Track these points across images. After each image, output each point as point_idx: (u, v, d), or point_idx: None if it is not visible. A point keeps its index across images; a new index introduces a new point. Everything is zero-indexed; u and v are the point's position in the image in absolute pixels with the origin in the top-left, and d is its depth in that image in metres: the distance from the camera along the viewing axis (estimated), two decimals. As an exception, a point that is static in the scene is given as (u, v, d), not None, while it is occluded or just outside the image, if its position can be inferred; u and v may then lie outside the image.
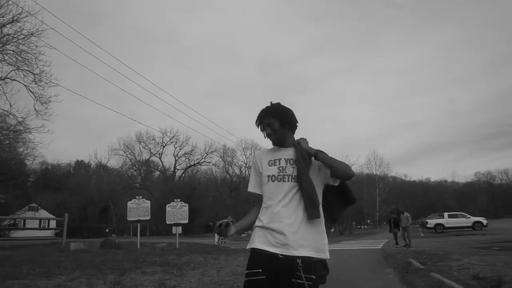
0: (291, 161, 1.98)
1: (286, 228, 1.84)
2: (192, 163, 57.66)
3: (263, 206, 1.99)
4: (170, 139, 55.35)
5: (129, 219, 14.06)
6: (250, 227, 2.06)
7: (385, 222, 56.29)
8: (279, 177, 1.96)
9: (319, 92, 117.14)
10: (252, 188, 2.09)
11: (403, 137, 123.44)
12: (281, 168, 1.97)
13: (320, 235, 1.91)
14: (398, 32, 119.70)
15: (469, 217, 29.21)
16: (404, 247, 14.93)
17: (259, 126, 2.08)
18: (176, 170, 58.30)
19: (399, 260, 9.68)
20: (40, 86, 14.45)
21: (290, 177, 1.94)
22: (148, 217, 14.10)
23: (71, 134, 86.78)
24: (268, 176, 1.98)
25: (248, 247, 1.94)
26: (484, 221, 28.29)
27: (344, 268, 9.02)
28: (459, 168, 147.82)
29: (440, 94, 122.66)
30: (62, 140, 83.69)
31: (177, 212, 14.69)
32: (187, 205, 15.17)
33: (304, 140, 2.06)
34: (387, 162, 73.67)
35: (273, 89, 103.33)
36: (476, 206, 69.07)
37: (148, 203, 14.13)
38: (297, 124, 2.10)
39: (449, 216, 29.52)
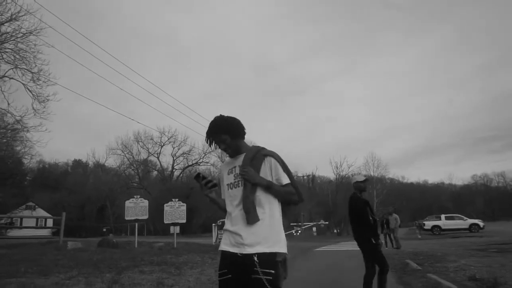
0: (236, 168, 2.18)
1: (243, 229, 2.00)
2: (190, 163, 57.57)
3: (227, 212, 2.17)
4: (168, 139, 55.31)
5: (126, 218, 14.05)
6: (220, 207, 2.25)
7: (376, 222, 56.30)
8: (235, 183, 2.14)
9: (317, 93, 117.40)
10: (222, 195, 2.29)
11: (401, 139, 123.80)
12: (236, 175, 2.14)
13: (275, 232, 2.02)
14: (396, 34, 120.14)
15: (466, 219, 29.32)
16: (393, 248, 14.79)
17: (211, 144, 2.19)
18: (174, 170, 58.25)
19: (396, 261, 9.70)
20: (38, 84, 14.40)
21: (241, 182, 2.09)
22: (146, 217, 14.10)
23: (69, 133, 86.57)
24: (228, 184, 2.19)
25: (219, 249, 2.13)
26: (481, 223, 28.39)
27: (343, 270, 9.04)
28: (457, 171, 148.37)
29: (438, 96, 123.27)
30: (60, 139, 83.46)
31: (175, 211, 14.69)
32: (185, 204, 15.17)
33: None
34: (385, 163, 73.78)
35: (271, 90, 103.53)
36: (473, 209, 69.28)
37: (146, 203, 14.12)
38: (245, 130, 2.22)
39: (446, 218, 29.62)
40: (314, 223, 45.24)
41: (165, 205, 14.99)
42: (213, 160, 56.43)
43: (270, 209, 2.05)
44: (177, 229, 14.97)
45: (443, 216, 30.34)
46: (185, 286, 6.12)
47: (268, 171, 2.09)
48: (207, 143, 2.20)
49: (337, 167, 49.60)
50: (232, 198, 2.13)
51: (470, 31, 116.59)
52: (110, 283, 6.01)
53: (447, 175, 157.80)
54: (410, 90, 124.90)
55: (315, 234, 42.36)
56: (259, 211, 2.01)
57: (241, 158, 2.16)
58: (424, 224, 30.34)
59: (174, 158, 57.10)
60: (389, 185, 66.40)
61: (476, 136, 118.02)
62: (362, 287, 4.53)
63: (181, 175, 58.58)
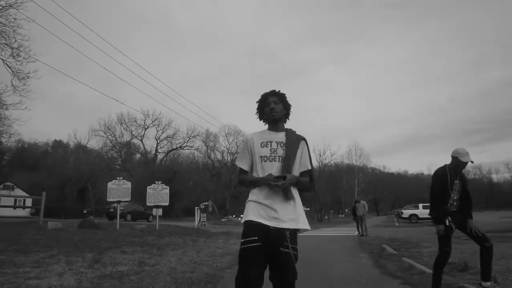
0: (282, 144, 2.22)
1: (278, 205, 2.08)
2: (174, 146, 57.06)
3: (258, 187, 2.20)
4: (152, 122, 54.49)
5: (109, 199, 13.96)
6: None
7: (346, 210, 57.65)
8: (270, 157, 2.19)
9: (305, 81, 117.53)
10: (241, 164, 2.30)
11: (385, 129, 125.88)
12: (272, 150, 2.20)
13: (301, 210, 2.20)
14: (387, 26, 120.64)
15: (442, 209, 30.30)
16: (361, 235, 14.66)
17: (263, 102, 2.34)
18: (157, 153, 57.62)
19: (373, 246, 10.03)
20: (18, 61, 13.84)
21: (280, 158, 2.19)
22: (128, 199, 14.03)
23: (49, 112, 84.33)
24: (261, 157, 2.21)
25: (243, 220, 2.17)
26: (456, 213, 29.40)
27: (322, 252, 9.29)
28: (436, 162, 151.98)
29: (422, 89, 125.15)
30: (40, 118, 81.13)
31: (158, 194, 14.66)
32: (168, 187, 15.14)
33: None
34: (367, 153, 75.15)
35: (259, 76, 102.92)
36: (450, 199, 71.54)
37: (128, 185, 14.02)
38: (289, 119, 2.42)
39: (424, 207, 30.54)
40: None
41: (148, 187, 14.94)
42: (197, 145, 56.22)
43: (296, 191, 2.21)
44: (159, 211, 14.97)
45: (420, 205, 31.30)
46: (167, 266, 6.17)
47: (300, 153, 2.25)
48: (259, 100, 2.37)
49: (320, 155, 50.12)
50: (265, 172, 2.16)
51: (459, 27, 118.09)
52: (92, 262, 6.01)
53: (426, 166, 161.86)
54: (395, 82, 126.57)
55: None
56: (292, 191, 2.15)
57: (280, 135, 2.27)
58: (402, 213, 31.27)
59: (158, 142, 56.50)
60: (371, 174, 67.90)
61: (457, 128, 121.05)
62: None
63: (165, 158, 58.11)
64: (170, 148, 57.28)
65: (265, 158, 2.20)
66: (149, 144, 57.46)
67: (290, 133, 2.30)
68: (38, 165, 49.93)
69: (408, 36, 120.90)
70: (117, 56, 55.42)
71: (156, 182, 15.19)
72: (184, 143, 56.04)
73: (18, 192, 37.30)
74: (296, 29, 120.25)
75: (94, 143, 56.22)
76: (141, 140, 56.22)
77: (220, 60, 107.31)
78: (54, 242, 8.05)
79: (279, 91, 2.36)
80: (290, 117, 2.41)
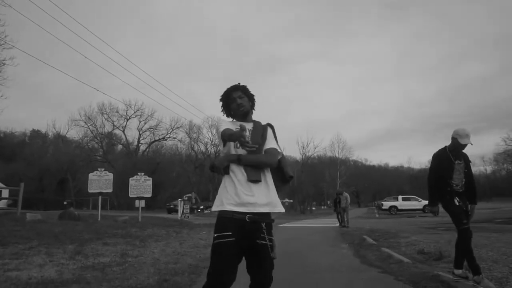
0: (251, 131, 2.20)
1: (253, 187, 2.03)
2: (156, 138, 56.37)
3: (231, 172, 2.11)
4: (135, 112, 53.57)
5: (90, 191, 13.72)
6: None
7: (329, 202, 58.66)
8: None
9: (288, 73, 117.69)
10: (228, 128, 2.15)
11: (366, 122, 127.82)
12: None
13: (275, 194, 2.15)
14: (367, 21, 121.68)
15: (421, 201, 31.18)
16: (342, 227, 14.90)
17: (227, 99, 2.33)
18: (140, 145, 56.80)
19: (354, 237, 10.27)
20: (-6, 47, 13.42)
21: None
22: (110, 190, 13.84)
23: (27, 101, 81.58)
24: (235, 143, 2.16)
25: (217, 208, 2.06)
26: (434, 205, 30.29)
27: (304, 243, 9.46)
28: (415, 155, 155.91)
29: (403, 83, 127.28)
30: (17, 107, 78.62)
31: (141, 185, 14.52)
32: (150, 179, 15.01)
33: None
34: (349, 146, 76.18)
35: (242, 67, 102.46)
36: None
37: (110, 176, 13.83)
38: (255, 109, 2.42)
39: (403, 199, 31.38)
40: (280, 201, 46.27)
41: (130, 179, 14.76)
42: (180, 136, 55.71)
43: (268, 173, 2.15)
44: (142, 203, 14.85)
45: (400, 197, 32.13)
46: (150, 257, 6.17)
47: (267, 136, 2.23)
48: (222, 97, 2.35)
49: (303, 147, 50.60)
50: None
51: (439, 22, 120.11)
52: (73, 254, 5.96)
53: (406, 158, 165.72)
54: (377, 76, 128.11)
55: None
56: (261, 173, 2.10)
57: (249, 125, 2.24)
58: (382, 205, 32.03)
59: (140, 132, 55.66)
60: (353, 167, 68.96)
61: (437, 122, 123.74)
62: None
63: (147, 150, 57.41)
64: (153, 139, 56.62)
65: (238, 145, 2.15)
66: (131, 135, 56.62)
67: (257, 123, 2.31)
68: (15, 155, 48.44)
69: (388, 29, 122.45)
70: (98, 45, 53.92)
71: (139, 173, 15.03)
72: (167, 134, 55.46)
73: (-6, 183, 36.18)
74: (279, 21, 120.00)
75: (74, 134, 55.01)
76: (123, 131, 55.34)
77: (203, 51, 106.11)
78: (34, 233, 7.90)
79: (240, 83, 2.35)
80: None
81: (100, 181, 13.54)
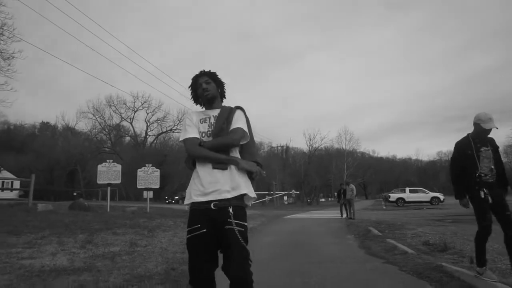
0: (215, 117, 2.20)
1: (217, 174, 2.02)
2: (164, 129, 56.68)
3: (197, 162, 2.13)
4: (142, 104, 53.82)
5: (99, 182, 13.93)
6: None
7: (336, 193, 58.58)
8: (208, 132, 2.17)
9: (295, 66, 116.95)
10: (192, 132, 2.15)
11: (374, 114, 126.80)
12: (210, 125, 2.19)
13: (245, 178, 2.09)
14: (372, 13, 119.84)
15: (428, 193, 31.06)
16: (348, 219, 14.90)
17: (195, 85, 2.31)
18: (147, 136, 57.20)
19: (360, 228, 10.32)
20: (2, 40, 13.51)
21: (212, 131, 2.17)
22: (118, 181, 14.03)
23: (36, 94, 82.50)
24: (201, 132, 2.18)
25: (186, 202, 2.09)
26: (441, 197, 30.16)
27: (310, 234, 9.54)
28: (424, 147, 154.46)
29: (411, 75, 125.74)
30: (27, 99, 79.37)
31: (149, 177, 14.70)
32: (158, 170, 15.17)
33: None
34: (356, 137, 75.93)
35: (249, 60, 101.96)
36: (436, 183, 73.06)
37: (119, 167, 14.01)
38: (226, 98, 2.40)
39: (410, 191, 31.26)
40: (286, 192, 46.44)
41: (138, 170, 14.95)
42: (187, 128, 55.75)
43: (236, 155, 2.15)
44: (150, 194, 15.04)
45: (407, 189, 32.00)
46: (158, 247, 6.31)
47: (234, 119, 2.18)
48: (191, 84, 2.34)
49: (310, 139, 50.53)
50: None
51: (444, 14, 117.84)
52: (83, 243, 6.11)
53: (414, 150, 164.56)
54: (385, 68, 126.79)
55: (286, 203, 43.65)
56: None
57: (214, 111, 2.24)
58: (389, 197, 31.95)
59: (148, 124, 55.98)
60: (360, 159, 68.53)
61: (445, 114, 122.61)
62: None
63: (155, 141, 57.79)
64: (160, 131, 56.94)
65: (204, 134, 2.17)
66: (139, 127, 57.11)
67: (224, 108, 2.27)
68: (25, 147, 49.19)
69: (394, 21, 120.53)
70: (106, 38, 54.15)
71: (147, 165, 15.21)
72: (174, 126, 55.62)
73: (6, 174, 36.85)
74: (283, 15, 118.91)
75: (83, 126, 55.81)
76: (131, 123, 55.70)
77: (208, 42, 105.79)
78: (45, 223, 8.10)
79: (209, 70, 2.33)
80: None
81: (109, 172, 13.74)
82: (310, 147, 51.58)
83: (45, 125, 59.93)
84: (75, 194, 36.91)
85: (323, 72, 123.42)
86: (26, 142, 51.63)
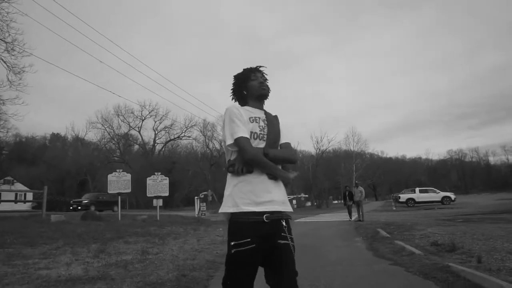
0: (266, 122, 1.96)
1: (269, 184, 1.81)
2: (172, 137, 57.25)
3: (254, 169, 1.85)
4: (149, 113, 54.55)
5: (109, 192, 14.16)
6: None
7: (340, 197, 58.20)
8: (260, 135, 1.89)
9: (302, 69, 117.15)
10: (242, 132, 1.83)
11: (382, 115, 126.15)
12: (261, 127, 1.92)
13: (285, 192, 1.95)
14: (380, 14, 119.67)
15: (439, 192, 30.73)
16: (357, 221, 14.82)
17: (246, 76, 2.06)
18: (155, 144, 57.85)
19: (368, 230, 10.33)
20: (13, 55, 13.86)
21: (266, 137, 1.91)
22: (128, 190, 14.25)
23: (46, 106, 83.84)
24: (251, 132, 1.87)
25: (228, 210, 1.78)
26: (453, 196, 29.83)
27: (318, 237, 9.59)
28: (433, 146, 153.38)
29: (417, 75, 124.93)
30: (37, 112, 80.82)
31: (158, 185, 14.89)
32: (167, 178, 15.36)
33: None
34: (364, 139, 75.60)
35: (255, 64, 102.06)
36: (447, 182, 72.35)
37: (128, 176, 14.23)
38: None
39: (420, 191, 30.95)
40: (295, 196, 46.34)
41: (147, 178, 15.15)
42: (195, 134, 56.34)
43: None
44: (160, 202, 15.22)
45: (417, 189, 31.70)
46: (169, 254, 6.43)
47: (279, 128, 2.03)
48: (236, 77, 2.09)
49: (317, 142, 50.44)
50: None
51: (453, 12, 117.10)
52: (96, 252, 6.27)
53: (424, 150, 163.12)
54: (392, 69, 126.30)
55: (295, 206, 43.53)
56: None
57: (262, 113, 2.01)
58: (399, 197, 31.67)
59: (156, 132, 56.65)
60: (369, 160, 68.22)
61: (454, 113, 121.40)
62: None
63: (163, 149, 58.34)
64: (168, 139, 57.50)
65: (255, 135, 1.86)
66: (147, 135, 57.89)
67: (268, 113, 2.05)
68: (36, 159, 50.04)
69: (400, 21, 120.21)
70: (111, 48, 54.96)
71: (156, 173, 15.41)
72: (182, 133, 56.23)
73: (18, 186, 37.51)
74: (292, 17, 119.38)
75: (92, 136, 56.60)
76: (139, 132, 56.39)
77: (214, 48, 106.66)
78: (59, 234, 8.30)
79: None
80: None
81: (119, 181, 13.97)
82: (318, 150, 51.43)
83: (55, 137, 60.93)
84: (86, 203, 37.26)
85: (330, 74, 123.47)
86: (37, 154, 52.52)
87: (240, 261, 1.71)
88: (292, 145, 2.05)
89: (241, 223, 1.73)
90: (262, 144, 1.86)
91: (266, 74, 2.10)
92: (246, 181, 1.78)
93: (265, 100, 2.09)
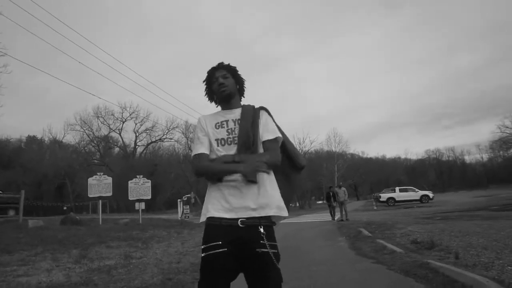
0: (239, 121, 1.84)
1: (244, 188, 1.69)
2: (153, 139, 56.55)
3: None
4: (130, 115, 53.69)
5: (90, 195, 13.88)
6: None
7: (322, 198, 59.04)
8: (228, 139, 1.81)
9: (282, 71, 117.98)
10: (199, 148, 1.82)
11: (362, 116, 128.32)
12: (229, 130, 1.82)
13: (277, 192, 1.79)
14: (359, 15, 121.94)
15: (418, 191, 31.56)
16: (340, 220, 15.12)
17: (210, 79, 1.96)
18: (136, 147, 56.98)
19: (351, 230, 10.52)
20: (-13, 56, 13.50)
21: (238, 139, 1.80)
22: (109, 194, 14.00)
23: (21, 108, 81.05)
24: (217, 140, 1.82)
25: (202, 218, 1.73)
26: (431, 195, 30.70)
27: (301, 238, 9.69)
28: (412, 146, 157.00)
29: (397, 75, 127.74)
30: (12, 114, 78.24)
31: (140, 188, 14.70)
32: (149, 181, 15.19)
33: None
34: (346, 139, 76.86)
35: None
36: (425, 181, 74.19)
37: (109, 180, 13.99)
38: (244, 96, 2.03)
39: (400, 191, 31.74)
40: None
41: (129, 181, 14.93)
42: (177, 136, 55.83)
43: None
44: (142, 205, 15.03)
45: (397, 188, 32.50)
46: (153, 258, 6.38)
47: (262, 124, 1.86)
48: (206, 78, 1.98)
49: (300, 143, 50.92)
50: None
51: (429, 13, 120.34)
52: (78, 258, 6.15)
53: (403, 150, 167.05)
54: (371, 70, 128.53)
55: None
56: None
57: (236, 112, 1.89)
58: (380, 197, 32.36)
59: (137, 135, 55.80)
60: (350, 160, 69.22)
61: (431, 113, 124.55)
62: None
63: (144, 151, 57.54)
64: (150, 141, 56.77)
65: (223, 141, 1.80)
66: (128, 137, 56.87)
67: (246, 107, 1.91)
68: (11, 162, 48.37)
69: (379, 23, 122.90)
70: (90, 49, 53.85)
71: (138, 176, 15.20)
72: (164, 135, 55.62)
73: (-7, 191, 36.16)
74: (269, 20, 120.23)
75: (71, 138, 55.07)
76: (120, 134, 55.43)
77: (195, 50, 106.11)
78: (37, 240, 8.07)
79: (229, 64, 1.98)
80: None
81: (99, 185, 13.71)
82: (300, 151, 51.91)
83: (31, 139, 59.04)
84: (65, 208, 36.43)
85: (309, 75, 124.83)
86: (12, 157, 50.79)
87: (211, 266, 1.60)
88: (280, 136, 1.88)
89: (212, 227, 1.66)
90: (233, 149, 1.78)
91: (230, 68, 1.96)
92: (218, 189, 1.73)
93: (242, 97, 2.00)
